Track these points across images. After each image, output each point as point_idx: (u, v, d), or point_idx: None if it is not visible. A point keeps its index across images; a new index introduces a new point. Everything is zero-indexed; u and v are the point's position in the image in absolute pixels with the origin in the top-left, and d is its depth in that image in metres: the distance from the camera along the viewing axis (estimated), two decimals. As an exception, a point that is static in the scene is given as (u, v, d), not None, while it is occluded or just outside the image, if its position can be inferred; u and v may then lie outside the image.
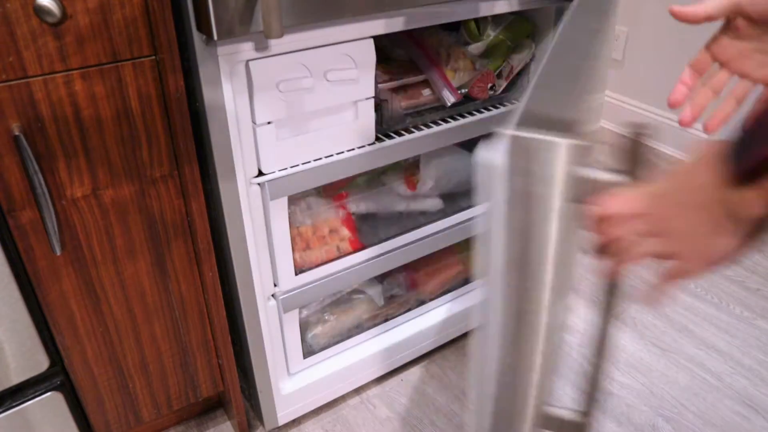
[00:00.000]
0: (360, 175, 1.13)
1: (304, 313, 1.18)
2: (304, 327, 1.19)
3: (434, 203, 1.26)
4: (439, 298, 1.36)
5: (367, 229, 1.18)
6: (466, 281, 1.40)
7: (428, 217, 1.23)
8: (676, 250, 0.43)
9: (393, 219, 1.22)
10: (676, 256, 0.44)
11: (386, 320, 1.28)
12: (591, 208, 0.47)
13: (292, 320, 1.11)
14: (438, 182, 1.26)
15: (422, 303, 1.33)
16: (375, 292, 1.27)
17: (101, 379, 0.96)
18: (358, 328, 1.26)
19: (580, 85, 0.53)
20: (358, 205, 1.16)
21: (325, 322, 1.21)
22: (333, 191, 1.13)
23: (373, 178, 1.18)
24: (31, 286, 0.83)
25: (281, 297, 1.06)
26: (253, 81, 0.84)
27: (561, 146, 0.45)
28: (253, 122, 0.88)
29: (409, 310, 1.32)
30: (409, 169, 1.20)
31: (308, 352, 1.19)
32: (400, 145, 1.07)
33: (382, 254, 1.16)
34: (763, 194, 0.37)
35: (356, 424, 1.22)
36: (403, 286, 1.30)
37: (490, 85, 1.15)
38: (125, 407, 1.01)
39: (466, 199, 1.29)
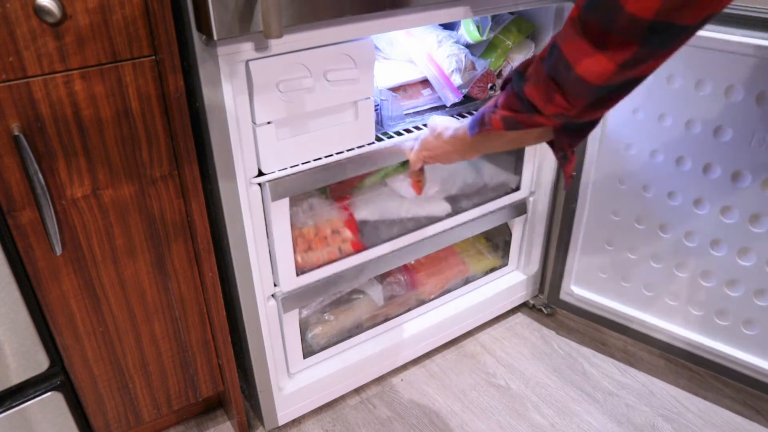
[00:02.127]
0: (363, 176, 1.13)
1: (304, 313, 1.18)
2: (304, 327, 1.19)
3: (441, 207, 1.25)
4: (439, 298, 1.36)
5: (369, 231, 1.18)
6: (466, 281, 1.40)
7: (432, 220, 1.23)
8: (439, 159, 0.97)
9: (395, 220, 1.21)
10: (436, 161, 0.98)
11: (386, 320, 1.28)
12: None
13: (292, 320, 1.11)
14: (444, 185, 1.25)
15: (422, 303, 1.33)
16: (375, 292, 1.27)
17: (101, 379, 0.96)
18: (358, 328, 1.26)
19: None
20: (361, 208, 1.16)
21: (325, 322, 1.21)
22: (338, 194, 1.13)
23: (377, 182, 1.18)
24: (31, 286, 0.83)
25: (281, 297, 1.06)
26: (253, 81, 0.84)
27: None
28: (253, 122, 0.88)
29: (409, 310, 1.32)
30: (414, 172, 1.19)
31: (308, 352, 1.19)
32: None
33: (384, 255, 1.16)
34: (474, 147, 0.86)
35: (356, 424, 1.22)
36: (404, 286, 1.30)
37: (490, 85, 1.15)
38: (125, 407, 1.01)
39: (468, 200, 1.29)
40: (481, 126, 0.78)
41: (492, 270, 1.44)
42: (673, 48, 0.59)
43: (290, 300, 1.07)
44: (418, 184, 1.12)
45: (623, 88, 0.63)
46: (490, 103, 0.76)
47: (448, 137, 0.89)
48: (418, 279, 1.32)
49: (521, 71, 0.70)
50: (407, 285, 1.31)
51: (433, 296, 1.35)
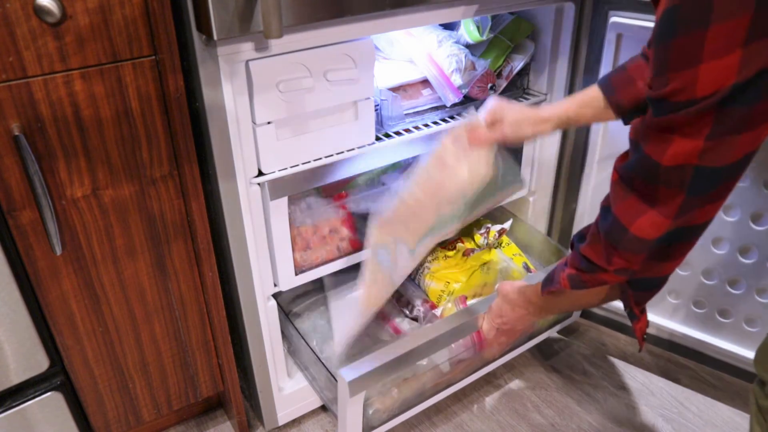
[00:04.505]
0: (360, 174, 1.13)
1: (368, 388, 1.01)
2: (366, 403, 1.05)
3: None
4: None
5: (367, 229, 1.17)
6: (530, 337, 1.30)
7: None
8: (516, 334, 0.97)
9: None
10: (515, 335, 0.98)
11: (449, 386, 1.16)
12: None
13: (357, 403, 0.98)
14: None
15: (487, 363, 1.22)
16: (440, 357, 1.12)
17: (101, 379, 0.96)
18: (420, 397, 1.13)
19: None
20: (358, 204, 1.16)
21: (387, 395, 1.08)
22: (333, 191, 1.13)
23: (373, 178, 1.18)
24: (31, 286, 0.83)
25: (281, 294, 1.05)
26: (253, 81, 0.84)
27: None
28: (253, 122, 0.88)
29: (474, 372, 1.20)
30: (408, 168, 1.19)
31: (368, 427, 1.07)
32: (400, 145, 1.07)
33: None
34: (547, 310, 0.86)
35: (356, 424, 1.22)
36: (471, 349, 1.15)
37: (490, 85, 1.15)
38: (125, 407, 1.01)
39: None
40: (551, 284, 0.79)
41: (557, 323, 1.33)
42: (719, 191, 0.59)
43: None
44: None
45: (681, 235, 0.64)
46: (562, 261, 0.77)
47: (521, 302, 0.88)
48: (485, 340, 1.11)
49: (583, 233, 0.72)
50: (475, 346, 1.14)
51: (498, 357, 1.22)
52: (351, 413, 0.96)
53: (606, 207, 0.66)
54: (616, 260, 0.66)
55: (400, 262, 1.00)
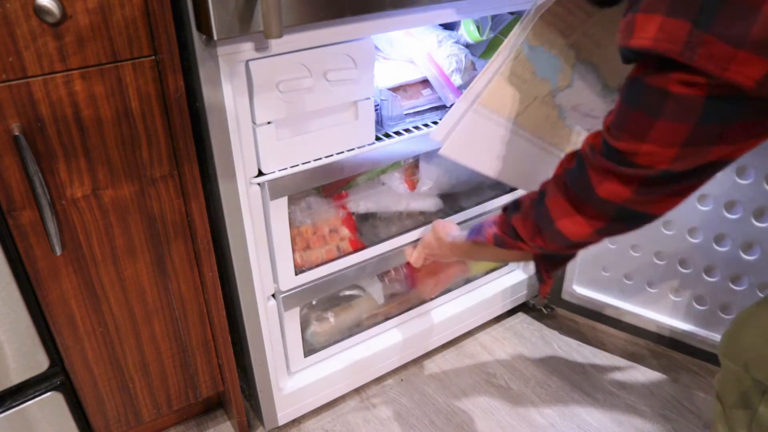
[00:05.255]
0: (360, 174, 1.13)
1: (304, 311, 1.18)
2: (304, 325, 1.20)
3: (434, 203, 1.26)
4: (439, 298, 1.36)
5: (367, 229, 1.18)
6: (467, 281, 1.40)
7: (428, 217, 1.23)
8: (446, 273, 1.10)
9: (393, 218, 1.22)
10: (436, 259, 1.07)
11: (386, 319, 1.28)
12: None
13: (293, 319, 1.11)
14: (437, 182, 1.26)
15: (423, 302, 1.33)
16: (375, 289, 1.28)
17: (101, 379, 0.96)
18: (358, 327, 1.26)
19: None
20: (357, 204, 1.16)
21: (324, 320, 1.21)
22: (333, 191, 1.14)
23: (373, 178, 1.18)
24: (31, 286, 0.83)
25: (282, 295, 1.06)
26: (253, 81, 0.84)
27: None
28: (253, 122, 0.88)
29: (410, 309, 1.31)
30: (408, 168, 1.20)
31: (309, 350, 1.19)
32: (400, 145, 1.07)
33: (382, 254, 1.16)
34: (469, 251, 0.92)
35: (356, 424, 1.22)
36: (404, 284, 1.30)
37: (490, 84, 1.15)
38: (125, 407, 1.01)
39: (466, 199, 1.29)
40: (477, 235, 0.87)
41: (492, 270, 1.44)
42: (640, 226, 0.67)
43: (291, 299, 1.07)
44: (412, 181, 1.13)
45: (597, 240, 0.71)
46: (492, 217, 0.85)
47: (448, 242, 0.97)
48: (418, 277, 1.31)
49: (518, 202, 0.78)
50: (408, 283, 1.30)
51: (433, 296, 1.34)
52: (288, 326, 1.11)
53: (543, 192, 0.72)
54: (537, 240, 0.74)
55: (584, 99, 0.80)
